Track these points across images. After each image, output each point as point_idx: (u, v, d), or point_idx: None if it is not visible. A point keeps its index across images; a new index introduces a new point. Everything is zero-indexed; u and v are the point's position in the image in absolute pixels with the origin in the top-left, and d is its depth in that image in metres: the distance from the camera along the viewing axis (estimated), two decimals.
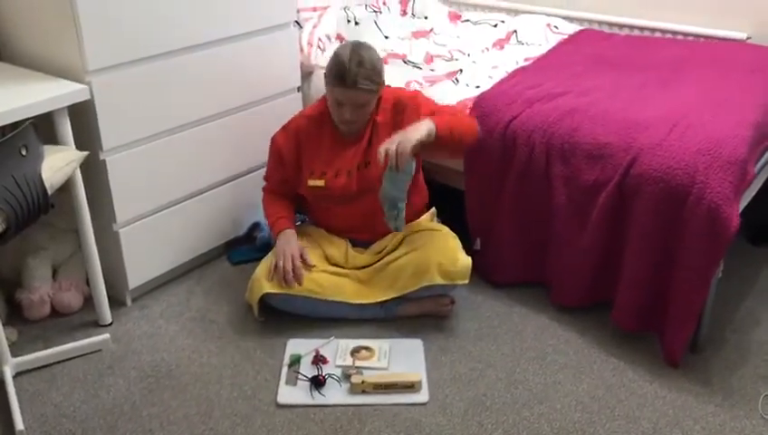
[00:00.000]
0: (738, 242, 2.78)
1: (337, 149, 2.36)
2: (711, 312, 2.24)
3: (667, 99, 2.49)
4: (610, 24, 3.45)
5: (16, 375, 2.17)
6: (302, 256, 2.33)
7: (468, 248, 2.50)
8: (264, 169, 2.54)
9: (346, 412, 2.05)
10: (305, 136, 2.38)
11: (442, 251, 2.32)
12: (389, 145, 2.12)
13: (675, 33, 3.29)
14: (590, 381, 2.16)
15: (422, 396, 2.10)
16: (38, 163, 1.93)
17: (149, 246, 2.48)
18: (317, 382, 2.12)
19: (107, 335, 2.31)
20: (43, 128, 2.10)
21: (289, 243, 2.35)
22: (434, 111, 2.31)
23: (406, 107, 2.34)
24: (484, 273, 2.59)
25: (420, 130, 2.15)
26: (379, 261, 2.40)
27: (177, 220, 2.55)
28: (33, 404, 2.08)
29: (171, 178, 2.48)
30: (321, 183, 2.36)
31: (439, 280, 2.29)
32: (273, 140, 2.44)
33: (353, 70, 2.18)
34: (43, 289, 2.42)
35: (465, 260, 2.32)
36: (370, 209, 2.37)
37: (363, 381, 2.10)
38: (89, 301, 2.45)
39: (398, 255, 2.36)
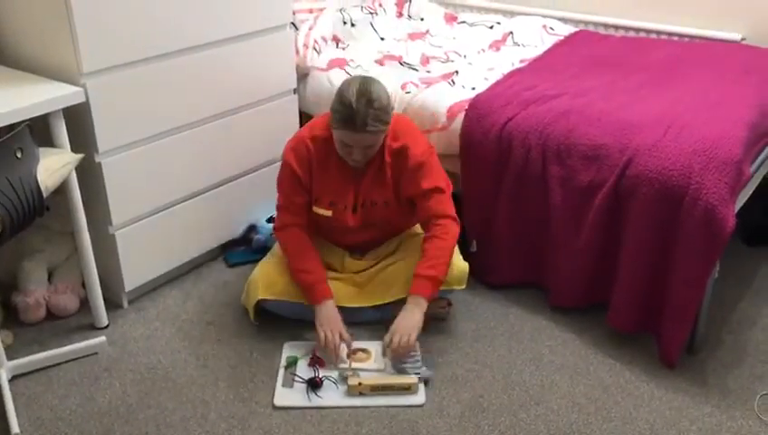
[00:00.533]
0: (734, 243, 2.77)
1: (344, 181, 2.26)
2: (707, 313, 2.24)
3: (663, 100, 2.49)
4: (606, 26, 3.46)
5: (12, 378, 2.16)
6: (342, 337, 2.20)
7: (465, 250, 2.50)
8: (276, 180, 2.34)
9: (343, 414, 2.05)
10: (315, 160, 2.24)
11: None
12: (393, 340, 2.13)
13: (670, 34, 3.30)
14: (587, 383, 2.16)
15: (419, 398, 2.10)
16: (33, 166, 1.93)
17: (146, 249, 2.48)
18: (314, 384, 2.12)
19: (103, 338, 2.31)
20: (38, 130, 2.09)
21: (333, 319, 2.20)
22: (429, 189, 2.22)
23: (408, 160, 2.21)
24: (480, 274, 2.59)
25: (416, 319, 2.15)
26: (375, 265, 2.39)
27: (174, 222, 2.54)
28: (28, 407, 2.08)
29: (167, 181, 2.48)
30: (327, 213, 2.29)
31: None
32: (287, 161, 2.25)
33: (362, 112, 2.03)
34: (38, 292, 2.41)
35: (462, 265, 2.32)
36: (372, 236, 2.38)
37: (360, 383, 2.10)
38: (85, 303, 2.45)
39: (393, 260, 2.35)
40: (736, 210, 2.14)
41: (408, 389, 2.10)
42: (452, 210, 2.27)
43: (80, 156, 2.12)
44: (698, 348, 2.29)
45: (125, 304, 2.52)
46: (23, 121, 1.92)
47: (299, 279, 2.25)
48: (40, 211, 1.94)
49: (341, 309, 2.31)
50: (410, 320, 2.16)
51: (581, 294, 2.41)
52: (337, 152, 2.23)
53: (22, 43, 2.29)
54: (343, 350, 2.19)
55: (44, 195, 1.95)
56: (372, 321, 2.39)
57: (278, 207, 2.34)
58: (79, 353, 2.27)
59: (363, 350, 2.27)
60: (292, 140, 2.30)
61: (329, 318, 2.20)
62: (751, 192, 2.38)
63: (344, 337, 2.19)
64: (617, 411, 2.06)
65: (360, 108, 2.03)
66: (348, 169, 2.27)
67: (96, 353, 2.29)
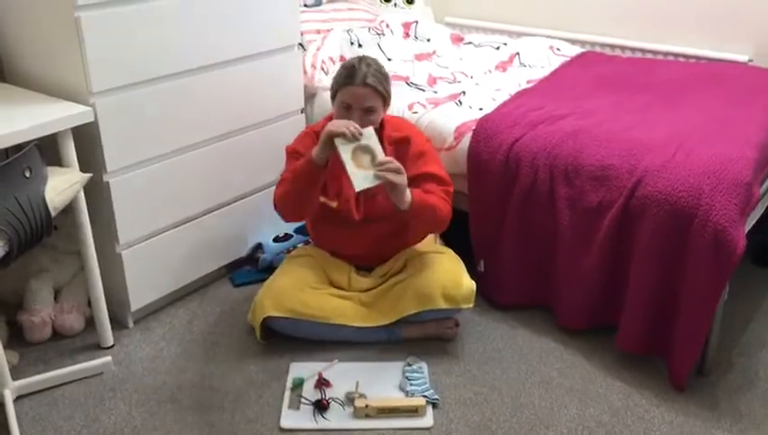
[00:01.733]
0: (743, 263, 2.75)
1: (346, 173, 2.29)
2: (717, 334, 2.22)
3: (671, 120, 2.49)
4: (612, 47, 3.46)
5: (17, 398, 2.14)
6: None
7: (472, 270, 2.49)
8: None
9: None
10: None
11: (446, 274, 2.30)
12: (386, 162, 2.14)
13: (677, 55, 3.30)
14: (597, 406, 2.14)
15: (426, 421, 2.07)
16: (42, 185, 1.93)
17: (152, 268, 2.47)
18: (320, 406, 2.10)
19: (108, 358, 2.30)
20: (46, 149, 2.10)
21: (337, 120, 2.19)
22: (429, 173, 2.29)
23: (410, 147, 2.32)
24: (488, 295, 2.58)
25: (405, 189, 2.17)
26: (382, 284, 2.38)
27: (180, 242, 2.54)
28: (33, 428, 2.06)
29: (174, 200, 2.48)
30: (333, 204, 2.34)
31: (443, 304, 2.27)
32: (292, 148, 2.36)
33: (362, 69, 2.21)
34: (44, 311, 2.40)
35: (470, 284, 2.31)
36: (375, 237, 2.37)
37: (367, 406, 2.07)
38: (90, 323, 2.44)
39: (401, 278, 2.34)
40: (746, 231, 2.13)
41: (415, 411, 2.08)
42: (449, 201, 2.32)
43: (88, 175, 2.12)
44: (709, 370, 2.26)
45: (131, 323, 2.51)
46: (32, 141, 1.92)
47: (298, 170, 2.20)
48: (48, 231, 1.94)
49: (347, 328, 2.30)
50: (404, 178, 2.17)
51: (590, 316, 2.39)
52: None
53: (31, 63, 2.30)
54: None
55: (52, 214, 1.94)
56: (381, 341, 2.38)
57: (279, 182, 2.33)
58: (84, 374, 2.26)
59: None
60: (297, 136, 2.40)
61: (334, 122, 2.15)
62: (761, 213, 2.37)
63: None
64: None
65: (361, 66, 2.23)
66: None
67: (101, 374, 2.28)
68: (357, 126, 2.13)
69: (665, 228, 2.13)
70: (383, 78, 2.26)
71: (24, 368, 2.29)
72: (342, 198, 2.33)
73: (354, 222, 2.34)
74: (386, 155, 2.22)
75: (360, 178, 2.12)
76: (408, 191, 2.18)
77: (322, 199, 2.34)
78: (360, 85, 2.20)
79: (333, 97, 2.29)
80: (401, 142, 2.33)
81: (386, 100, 2.28)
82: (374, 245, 2.40)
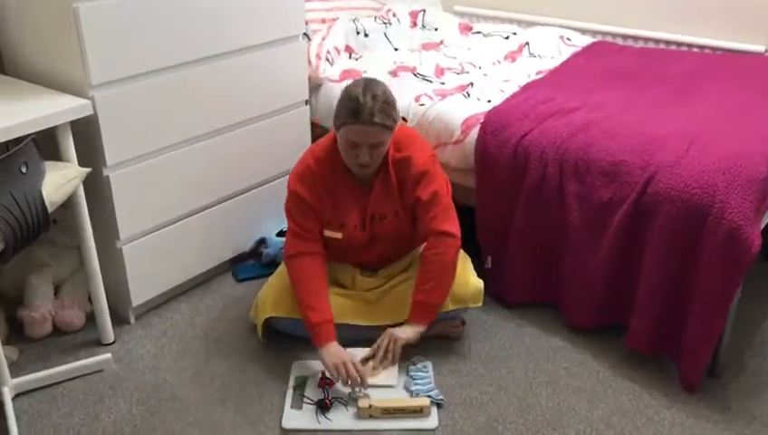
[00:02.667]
0: (756, 261, 2.69)
1: (351, 198, 2.22)
2: (730, 334, 2.17)
3: (684, 114, 2.42)
4: (624, 37, 3.39)
5: (16, 396, 2.12)
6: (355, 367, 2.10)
7: (479, 267, 2.44)
8: (284, 208, 2.27)
9: None
10: (322, 184, 2.19)
11: None
12: (381, 342, 2.17)
13: (690, 45, 3.23)
14: (605, 407, 2.09)
15: (431, 421, 2.03)
16: (39, 181, 1.89)
17: (153, 263, 2.43)
18: (323, 406, 2.06)
19: (108, 355, 2.26)
20: (45, 143, 2.06)
21: (337, 355, 2.09)
22: (428, 201, 2.18)
23: (410, 169, 2.18)
24: (495, 292, 2.53)
25: (409, 335, 2.17)
26: (387, 283, 2.33)
27: (182, 236, 2.50)
28: (32, 426, 2.03)
29: (176, 194, 2.43)
30: (338, 235, 2.24)
31: (450, 305, 2.23)
32: (295, 191, 2.19)
33: (369, 103, 2.01)
34: (44, 307, 2.37)
35: (477, 283, 2.26)
36: (380, 253, 2.33)
37: (370, 406, 2.03)
38: (91, 319, 2.40)
39: (406, 276, 2.29)
40: (761, 229, 2.07)
41: (420, 412, 2.04)
42: (452, 226, 2.21)
43: (87, 170, 2.08)
44: (720, 371, 2.21)
45: (132, 319, 2.47)
46: (29, 135, 1.88)
47: (305, 315, 2.15)
48: (45, 227, 1.90)
49: (350, 327, 2.26)
50: (403, 332, 2.17)
51: (599, 314, 2.34)
52: (341, 172, 2.19)
53: (31, 55, 2.25)
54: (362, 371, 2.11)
55: (49, 210, 1.90)
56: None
57: (289, 233, 2.25)
58: (84, 371, 2.23)
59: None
60: (297, 168, 2.23)
61: (335, 355, 2.09)
62: None
63: (357, 367, 2.08)
64: None
65: (367, 100, 2.02)
66: (354, 186, 2.22)
67: (101, 371, 2.25)
68: (353, 375, 2.05)
69: (677, 226, 2.07)
70: (390, 107, 2.06)
71: (24, 364, 2.27)
72: (347, 228, 2.24)
73: (360, 244, 2.28)
74: (390, 177, 2.17)
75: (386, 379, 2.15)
76: (421, 328, 2.19)
77: (327, 233, 2.25)
78: (367, 124, 2.02)
79: (336, 129, 2.11)
80: (402, 164, 2.19)
81: (394, 127, 2.11)
82: (380, 258, 2.35)
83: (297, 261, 2.20)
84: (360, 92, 2.04)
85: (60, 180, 1.96)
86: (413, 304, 2.19)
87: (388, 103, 2.06)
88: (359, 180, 2.22)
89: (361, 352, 2.20)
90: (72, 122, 2.07)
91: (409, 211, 2.25)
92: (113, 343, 2.37)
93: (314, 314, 2.13)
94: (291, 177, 2.23)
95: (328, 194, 2.20)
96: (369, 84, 2.07)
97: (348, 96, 2.06)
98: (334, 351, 2.11)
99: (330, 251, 2.32)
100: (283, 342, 2.32)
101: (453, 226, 2.21)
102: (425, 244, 2.23)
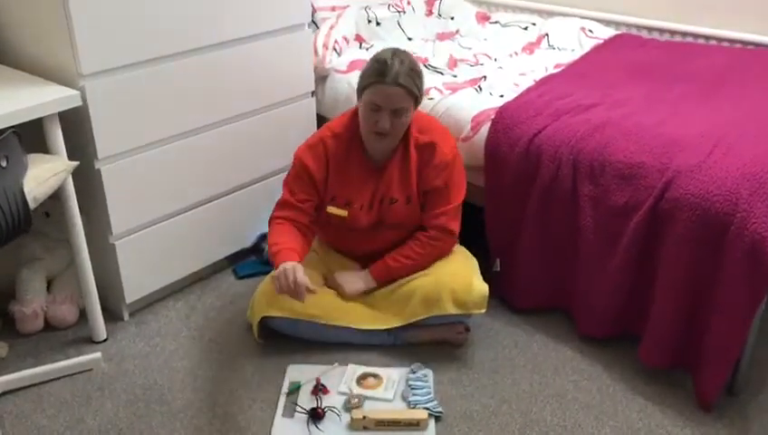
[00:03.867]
0: None
1: (363, 179, 2.16)
2: (751, 350, 2.03)
3: (708, 114, 2.28)
4: (649, 29, 3.23)
5: (2, 395, 2.06)
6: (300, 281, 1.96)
7: (487, 270, 2.32)
8: (283, 180, 2.23)
9: None
10: (333, 158, 2.15)
11: (456, 277, 2.14)
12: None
13: (719, 39, 3.06)
14: (614, 425, 1.97)
15: None
16: (20, 175, 1.81)
17: (148, 259, 2.35)
18: (315, 416, 1.96)
19: (98, 354, 2.19)
20: (32, 135, 1.99)
21: (283, 267, 1.94)
22: (444, 194, 2.16)
23: (434, 157, 2.14)
24: (503, 297, 2.42)
25: (357, 286, 2.20)
26: (388, 284, 2.23)
27: (178, 232, 2.41)
28: (15, 427, 1.97)
29: (171, 189, 2.35)
30: (343, 213, 2.17)
31: (452, 310, 2.12)
32: (300, 159, 2.15)
33: (396, 65, 2.00)
34: (36, 302, 2.30)
35: (482, 287, 2.14)
36: (387, 241, 2.23)
37: (365, 417, 1.94)
38: (85, 314, 2.33)
39: (408, 279, 2.18)
40: None
41: (416, 425, 1.94)
42: (457, 226, 2.22)
43: (74, 163, 2.00)
44: (739, 389, 2.08)
45: (125, 316, 2.40)
46: (10, 127, 1.80)
47: (270, 250, 2.05)
48: (26, 225, 1.82)
49: (352, 330, 2.18)
50: (353, 284, 2.20)
51: (612, 324, 2.22)
52: (356, 149, 2.15)
53: (17, 41, 2.17)
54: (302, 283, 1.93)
55: (32, 206, 1.83)
56: (385, 345, 2.24)
57: (279, 203, 2.19)
58: (72, 370, 2.16)
59: (374, 375, 2.11)
60: (309, 139, 2.20)
61: (282, 267, 1.93)
62: None
63: (297, 279, 1.91)
64: None
65: (394, 62, 2.01)
66: (367, 165, 2.16)
67: (91, 370, 2.18)
68: (297, 286, 1.91)
69: (697, 235, 1.94)
70: (417, 76, 2.05)
71: (13, 361, 2.20)
72: (353, 208, 2.17)
73: (365, 228, 2.20)
74: (410, 161, 2.14)
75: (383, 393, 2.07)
76: (371, 283, 2.21)
77: (331, 210, 2.18)
78: (392, 85, 1.99)
79: (360, 94, 2.08)
80: (425, 148, 2.15)
81: (418, 100, 2.08)
82: (385, 248, 2.24)
83: (277, 222, 2.13)
84: (388, 55, 2.03)
85: (44, 174, 1.88)
86: (383, 261, 2.20)
87: (414, 71, 2.05)
88: (374, 159, 2.16)
89: (362, 370, 2.13)
90: (61, 113, 1.99)
91: (422, 199, 2.19)
92: (105, 340, 2.30)
93: (277, 246, 2.03)
94: (300, 147, 2.19)
95: (338, 169, 2.15)
96: (398, 51, 2.07)
97: (375, 58, 2.06)
98: (284, 265, 1.95)
99: (331, 233, 2.27)
100: (279, 343, 2.23)
101: (457, 226, 2.21)
102: (426, 230, 2.20)
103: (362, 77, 2.07)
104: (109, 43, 2.05)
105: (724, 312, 1.92)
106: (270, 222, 2.18)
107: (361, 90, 2.07)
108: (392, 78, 1.99)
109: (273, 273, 1.97)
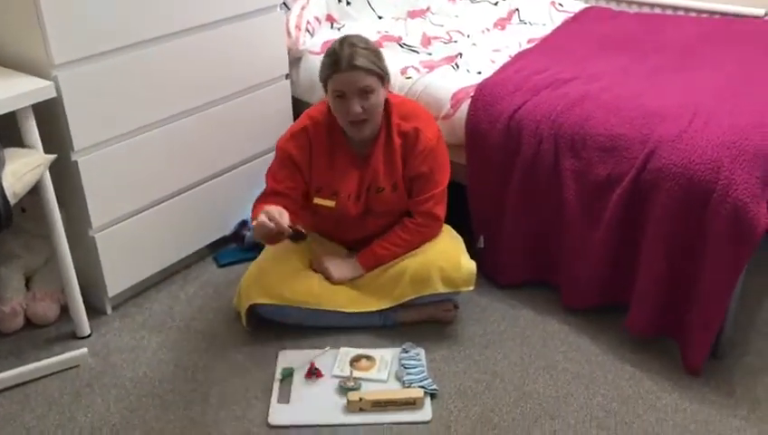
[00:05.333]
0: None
1: (349, 168, 2.14)
2: (734, 313, 2.08)
3: (685, 84, 2.31)
4: (618, 1, 3.25)
5: None
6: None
7: (471, 247, 2.33)
8: (265, 173, 2.20)
9: (343, 433, 1.89)
10: (316, 145, 2.13)
11: (444, 255, 2.15)
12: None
13: (687, 9, 3.10)
14: (605, 393, 2.01)
15: (425, 414, 1.94)
16: None
17: (129, 251, 2.31)
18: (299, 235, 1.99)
19: (84, 350, 2.15)
20: (5, 128, 1.92)
21: (269, 209, 1.95)
22: (429, 179, 2.15)
23: (417, 143, 2.12)
24: (488, 273, 2.43)
25: (346, 273, 2.20)
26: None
27: (158, 222, 2.37)
28: (3, 429, 1.92)
29: (150, 178, 2.30)
30: (330, 204, 2.15)
31: (442, 288, 2.12)
32: (284, 149, 2.14)
33: (346, 50, 1.99)
34: (15, 300, 2.25)
35: (470, 265, 2.15)
36: (374, 229, 2.22)
37: (361, 399, 1.94)
38: (66, 310, 2.28)
39: (396, 260, 2.18)
40: None
41: (412, 403, 1.95)
42: (443, 211, 2.22)
43: (52, 157, 1.95)
44: (724, 352, 2.13)
45: (109, 310, 2.36)
46: None
47: (252, 215, 2.07)
48: (7, 221, 1.77)
49: (335, 314, 2.17)
50: (341, 271, 2.19)
51: (597, 295, 2.25)
52: (339, 137, 2.12)
53: None
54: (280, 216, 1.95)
55: (12, 202, 1.77)
56: (375, 326, 2.24)
57: (263, 193, 2.17)
58: (59, 367, 2.11)
59: (367, 357, 2.12)
60: (291, 128, 2.17)
61: (269, 210, 1.94)
62: None
63: (275, 217, 1.92)
64: (638, 425, 1.90)
65: (344, 48, 2.01)
66: (352, 154, 2.14)
67: (77, 366, 2.14)
68: (277, 221, 1.92)
69: (680, 204, 1.97)
70: (372, 54, 2.03)
71: None
72: (340, 197, 2.15)
73: (353, 216, 2.19)
74: (394, 148, 2.12)
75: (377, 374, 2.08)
76: (359, 271, 2.20)
77: (318, 201, 2.17)
78: (348, 70, 1.99)
79: (324, 88, 2.08)
80: (409, 135, 2.13)
81: (383, 77, 2.06)
82: (373, 234, 2.23)
83: (260, 207, 2.05)
84: (336, 45, 2.04)
85: (22, 169, 1.83)
86: (370, 248, 2.20)
87: (369, 50, 2.04)
88: (357, 148, 2.14)
89: (354, 352, 2.13)
90: (34, 105, 1.93)
91: (408, 185, 2.18)
92: (89, 335, 2.26)
93: (261, 207, 2.01)
94: (282, 137, 2.17)
95: (321, 158, 2.14)
96: (347, 37, 2.06)
97: (327, 53, 2.06)
98: (267, 207, 1.97)
99: (319, 223, 2.25)
100: (269, 329, 2.22)
101: (444, 210, 2.21)
102: (412, 216, 2.20)
103: (320, 72, 2.07)
104: (80, 31, 1.99)
105: (709, 279, 1.96)
106: (253, 209, 2.15)
107: (324, 84, 2.06)
108: (346, 63, 1.99)
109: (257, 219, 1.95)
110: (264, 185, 2.20)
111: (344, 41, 2.03)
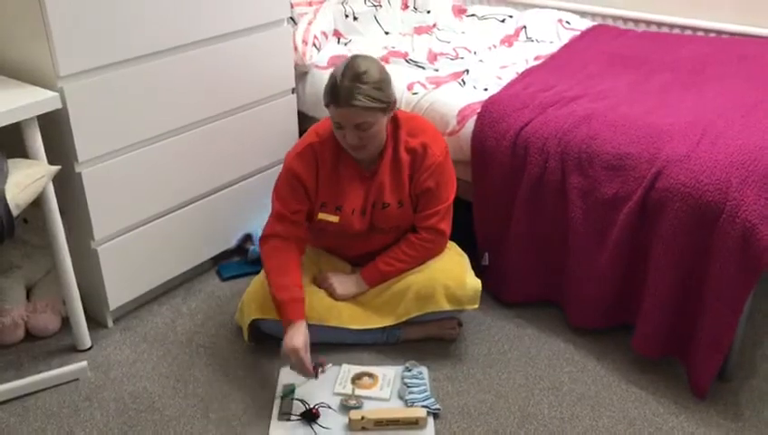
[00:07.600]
0: None
1: (355, 184, 2.11)
2: (741, 336, 2.06)
3: (694, 103, 2.29)
4: (625, 20, 3.25)
5: None
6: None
7: (476, 264, 2.31)
8: (273, 190, 2.17)
9: None
10: (323, 164, 2.10)
11: (449, 273, 2.13)
12: (320, 281, 2.20)
13: (693, 29, 3.09)
14: (611, 415, 1.98)
15: (427, 433, 1.91)
16: (1, 182, 1.74)
17: (131, 264, 2.29)
18: (310, 417, 1.94)
19: (84, 363, 2.13)
20: (9, 139, 1.92)
21: (294, 339, 1.94)
22: (435, 195, 2.13)
23: (425, 159, 2.09)
24: (493, 291, 2.41)
25: (351, 290, 2.18)
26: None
27: (161, 235, 2.36)
28: None
29: (154, 191, 2.29)
30: (334, 219, 2.13)
31: (446, 306, 2.10)
32: (291, 168, 2.09)
33: (346, 85, 1.91)
34: (15, 311, 2.23)
35: (475, 283, 2.13)
36: (379, 245, 2.20)
37: (363, 417, 1.91)
38: (67, 322, 2.26)
39: (400, 276, 2.16)
40: None
41: (415, 423, 1.92)
42: (449, 227, 2.19)
43: (56, 168, 1.93)
44: (731, 375, 2.10)
45: (110, 323, 2.34)
46: None
47: (273, 296, 2.04)
48: (9, 232, 1.75)
49: (337, 330, 2.15)
50: (345, 287, 2.17)
51: (603, 315, 2.22)
52: (345, 152, 2.11)
53: None
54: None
55: (14, 213, 1.76)
56: (378, 343, 2.21)
57: (271, 216, 2.15)
58: (58, 380, 2.09)
59: (369, 374, 2.09)
60: (297, 146, 2.14)
61: (293, 338, 1.93)
62: None
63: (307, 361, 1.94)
64: None
65: (344, 81, 1.92)
66: (357, 169, 2.12)
67: (77, 380, 2.11)
68: (302, 369, 1.94)
69: (688, 224, 1.95)
70: (374, 88, 1.93)
71: None
72: (344, 212, 2.13)
73: (357, 232, 2.17)
74: (401, 165, 2.10)
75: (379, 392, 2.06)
76: (363, 287, 2.18)
77: (322, 216, 2.14)
78: (345, 107, 1.93)
79: (327, 107, 2.02)
80: (416, 152, 2.10)
81: (385, 109, 1.99)
82: (377, 250, 2.21)
83: (270, 241, 2.10)
84: (339, 73, 1.94)
85: (25, 181, 1.81)
86: (374, 265, 2.17)
87: (371, 84, 1.93)
88: (364, 163, 2.13)
89: (356, 369, 2.11)
90: (39, 116, 1.92)
91: (414, 202, 2.16)
92: (90, 348, 2.24)
93: (283, 293, 2.01)
94: (289, 154, 2.14)
95: (328, 174, 2.11)
96: (353, 63, 1.95)
97: (331, 74, 1.98)
98: (294, 333, 1.95)
99: (322, 238, 2.23)
100: (271, 345, 2.19)
101: (449, 226, 2.19)
102: (417, 230, 2.18)
103: (323, 94, 2.00)
104: (86, 43, 1.98)
105: (716, 300, 1.94)
106: (264, 240, 2.12)
107: (326, 106, 2.01)
108: (343, 100, 1.92)
109: (285, 341, 1.96)
110: (269, 202, 2.18)
111: (347, 70, 1.93)
